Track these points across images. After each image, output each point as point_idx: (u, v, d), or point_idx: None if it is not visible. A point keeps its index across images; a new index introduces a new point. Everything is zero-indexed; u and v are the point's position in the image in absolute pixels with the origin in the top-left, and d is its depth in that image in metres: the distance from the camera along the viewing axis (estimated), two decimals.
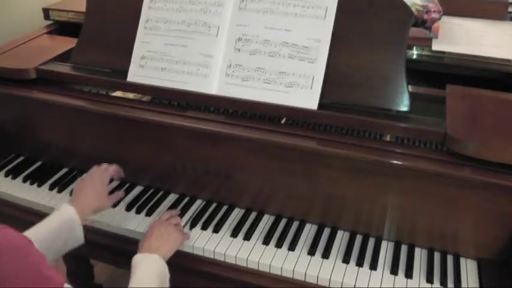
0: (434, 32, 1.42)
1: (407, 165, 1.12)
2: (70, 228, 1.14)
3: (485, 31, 1.51)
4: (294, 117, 1.29)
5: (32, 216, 1.38)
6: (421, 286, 1.12)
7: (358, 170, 1.16)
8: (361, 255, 1.19)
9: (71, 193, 1.40)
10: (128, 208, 1.35)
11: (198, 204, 1.37)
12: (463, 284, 1.12)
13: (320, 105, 1.22)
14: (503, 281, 1.10)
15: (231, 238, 1.25)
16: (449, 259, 1.19)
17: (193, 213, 1.34)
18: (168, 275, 1.11)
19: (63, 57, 1.51)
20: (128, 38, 1.39)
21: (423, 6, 1.42)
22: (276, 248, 1.22)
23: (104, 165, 1.30)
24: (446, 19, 1.52)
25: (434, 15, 1.41)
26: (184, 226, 1.29)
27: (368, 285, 1.12)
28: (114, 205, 1.35)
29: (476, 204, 1.11)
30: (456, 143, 1.10)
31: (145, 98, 1.49)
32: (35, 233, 1.08)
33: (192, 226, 1.29)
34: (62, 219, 1.14)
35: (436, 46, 1.39)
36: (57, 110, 1.41)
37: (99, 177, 1.26)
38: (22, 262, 0.81)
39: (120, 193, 1.34)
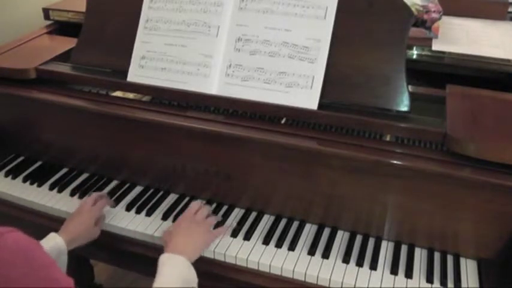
0: (434, 32, 1.42)
1: (407, 165, 1.12)
2: (56, 256, 1.14)
3: (485, 31, 1.51)
4: (294, 117, 1.29)
5: (32, 216, 1.38)
6: (421, 286, 1.12)
7: (358, 170, 1.16)
8: (361, 255, 1.19)
9: (71, 193, 1.41)
10: (128, 208, 1.35)
11: None
12: (463, 284, 1.12)
13: (320, 105, 1.22)
14: (503, 281, 1.10)
15: (231, 238, 1.25)
16: (449, 259, 1.19)
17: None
18: (195, 280, 1.07)
19: (63, 57, 1.51)
20: (128, 38, 1.39)
21: (423, 6, 1.42)
22: (276, 248, 1.22)
23: (91, 201, 1.29)
24: (446, 19, 1.52)
25: (434, 15, 1.41)
26: None
27: (368, 285, 1.12)
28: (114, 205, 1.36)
29: (477, 204, 1.11)
30: (456, 143, 1.10)
31: (145, 98, 1.49)
32: None
33: None
34: (50, 247, 1.14)
35: (436, 46, 1.39)
36: (57, 110, 1.41)
37: (88, 213, 1.25)
38: (30, 265, 0.81)
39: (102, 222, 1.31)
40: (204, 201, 1.32)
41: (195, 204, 1.26)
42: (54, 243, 1.15)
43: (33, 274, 0.81)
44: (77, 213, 1.27)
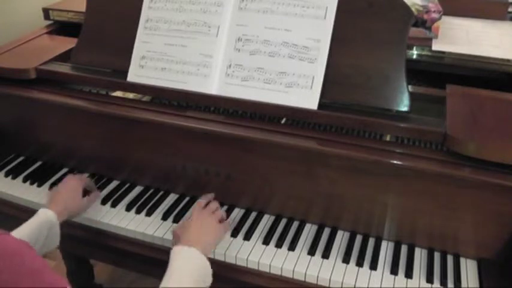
0: (434, 32, 1.42)
1: (407, 165, 1.12)
2: (49, 230, 1.16)
3: (485, 31, 1.51)
4: (294, 117, 1.29)
5: (32, 216, 1.38)
6: (421, 286, 1.12)
7: (358, 170, 1.16)
8: (361, 255, 1.19)
9: None
10: (128, 208, 1.35)
11: None
12: (463, 284, 1.12)
13: (320, 105, 1.22)
14: (503, 281, 1.10)
15: (231, 238, 1.25)
16: (449, 259, 1.19)
17: None
18: (210, 272, 1.04)
19: (63, 57, 1.51)
20: (128, 38, 1.39)
21: (423, 6, 1.42)
22: (276, 248, 1.22)
23: (77, 175, 1.38)
24: (446, 19, 1.52)
25: (434, 15, 1.41)
26: None
27: (368, 285, 1.12)
28: (114, 205, 1.36)
29: (476, 204, 1.11)
30: (456, 143, 1.10)
31: (145, 98, 1.49)
32: (18, 236, 1.08)
33: None
34: (42, 222, 1.16)
35: (436, 46, 1.39)
36: (57, 110, 1.41)
37: (72, 183, 1.30)
38: (19, 269, 0.79)
39: (96, 193, 1.36)
40: (212, 195, 1.31)
41: (204, 198, 1.26)
42: (45, 217, 1.17)
43: (23, 278, 0.78)
44: (62, 185, 1.30)
